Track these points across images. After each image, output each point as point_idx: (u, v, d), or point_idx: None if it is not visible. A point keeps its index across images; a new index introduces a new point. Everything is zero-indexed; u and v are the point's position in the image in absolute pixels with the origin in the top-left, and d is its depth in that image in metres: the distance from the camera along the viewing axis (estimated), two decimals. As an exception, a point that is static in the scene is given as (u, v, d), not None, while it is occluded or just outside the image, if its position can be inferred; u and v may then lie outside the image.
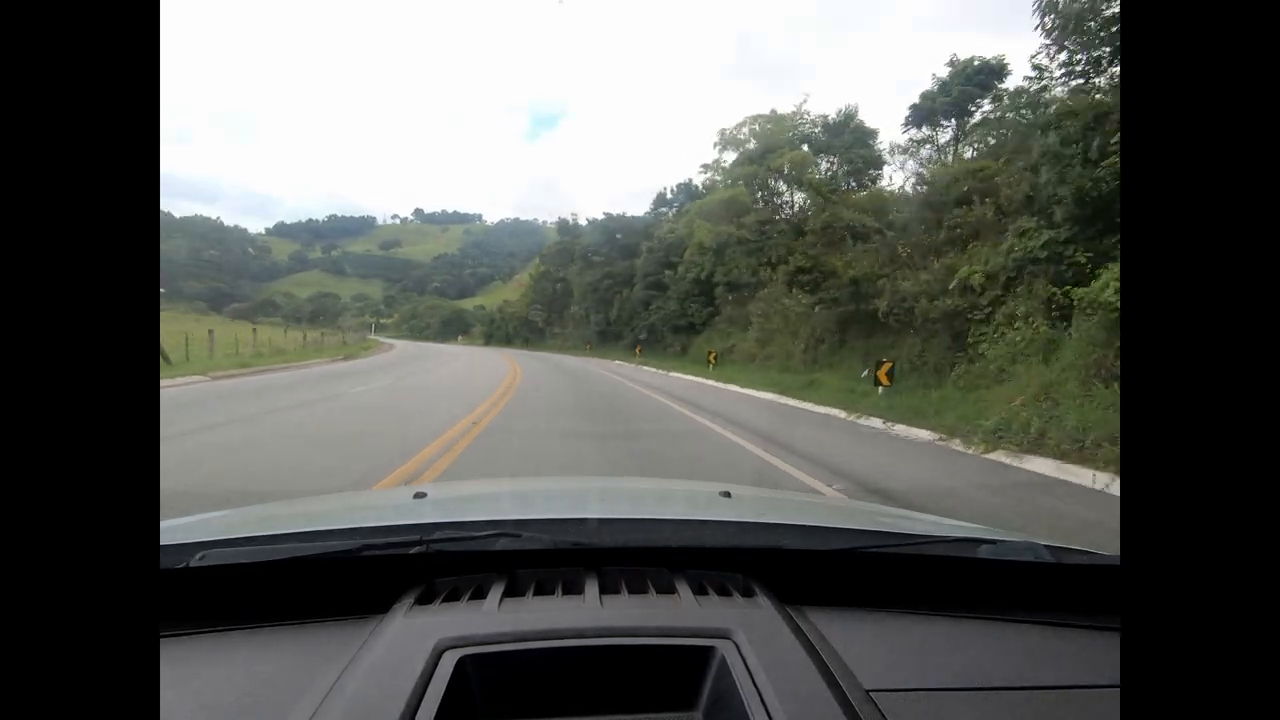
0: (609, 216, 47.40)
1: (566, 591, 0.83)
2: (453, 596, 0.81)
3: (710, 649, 0.69)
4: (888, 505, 1.88)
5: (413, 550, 0.83)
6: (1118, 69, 9.61)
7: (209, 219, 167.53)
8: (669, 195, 44.55)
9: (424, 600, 0.80)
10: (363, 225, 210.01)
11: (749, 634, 0.71)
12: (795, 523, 1.14)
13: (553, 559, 0.89)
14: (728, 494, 1.37)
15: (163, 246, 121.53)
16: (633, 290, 36.52)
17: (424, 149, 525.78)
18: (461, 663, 0.66)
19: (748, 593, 0.84)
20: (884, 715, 0.62)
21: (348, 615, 0.79)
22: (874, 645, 0.75)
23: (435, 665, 0.65)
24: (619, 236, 43.29)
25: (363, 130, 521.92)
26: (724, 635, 0.71)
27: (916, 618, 0.84)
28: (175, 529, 0.97)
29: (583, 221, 53.55)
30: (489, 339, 63.17)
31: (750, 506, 1.39)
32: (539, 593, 0.82)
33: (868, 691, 0.65)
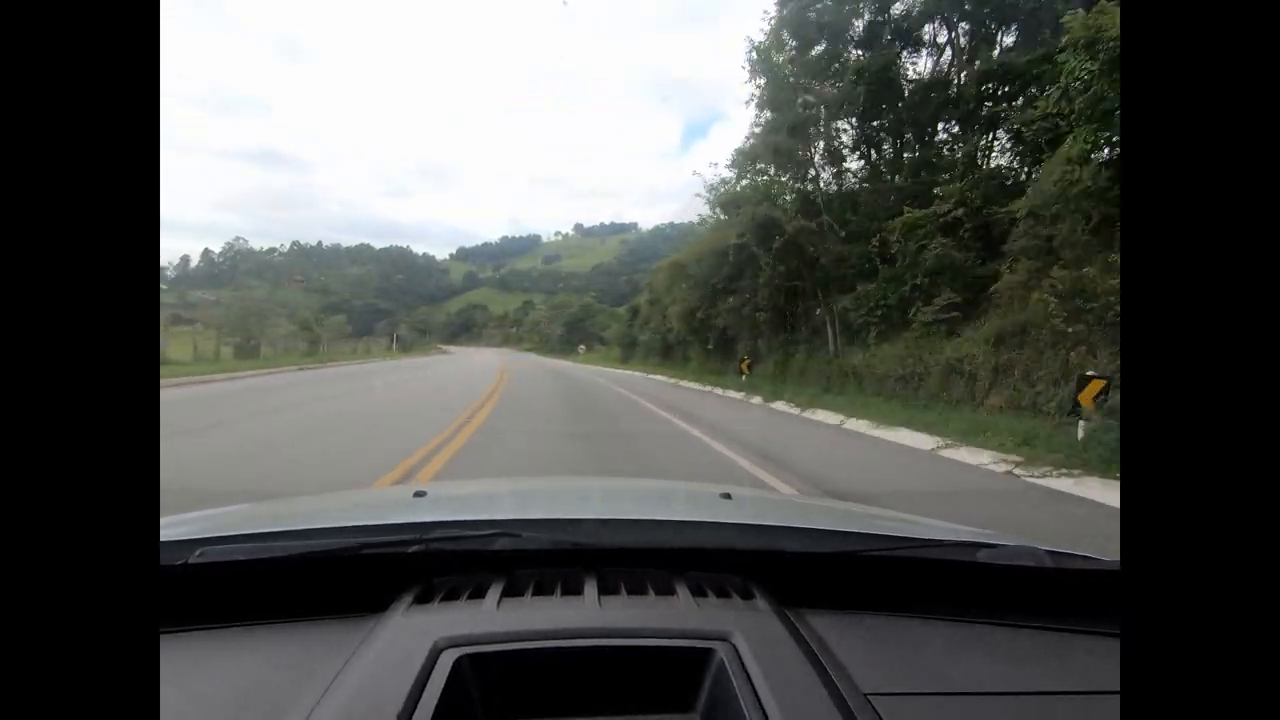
0: None
1: (565, 592, 0.81)
2: (451, 596, 0.80)
3: (709, 651, 0.69)
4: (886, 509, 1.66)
5: (411, 549, 0.83)
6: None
7: (401, 247, 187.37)
8: None
9: (422, 599, 0.80)
10: (529, 244, 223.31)
11: (747, 636, 0.70)
12: (794, 525, 1.13)
13: (552, 559, 0.88)
14: (728, 496, 1.35)
15: (358, 271, 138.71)
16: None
17: (584, 170, 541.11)
18: (459, 662, 0.66)
19: (746, 595, 0.82)
20: (881, 719, 0.61)
21: (346, 614, 0.79)
22: (872, 648, 0.75)
23: (433, 665, 0.65)
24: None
25: (531, 162, 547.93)
26: (722, 637, 0.70)
27: (915, 621, 0.83)
28: (173, 525, 1.00)
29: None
30: (629, 350, 37.99)
31: (750, 509, 1.39)
32: (538, 593, 0.81)
33: (865, 695, 0.64)
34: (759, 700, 0.61)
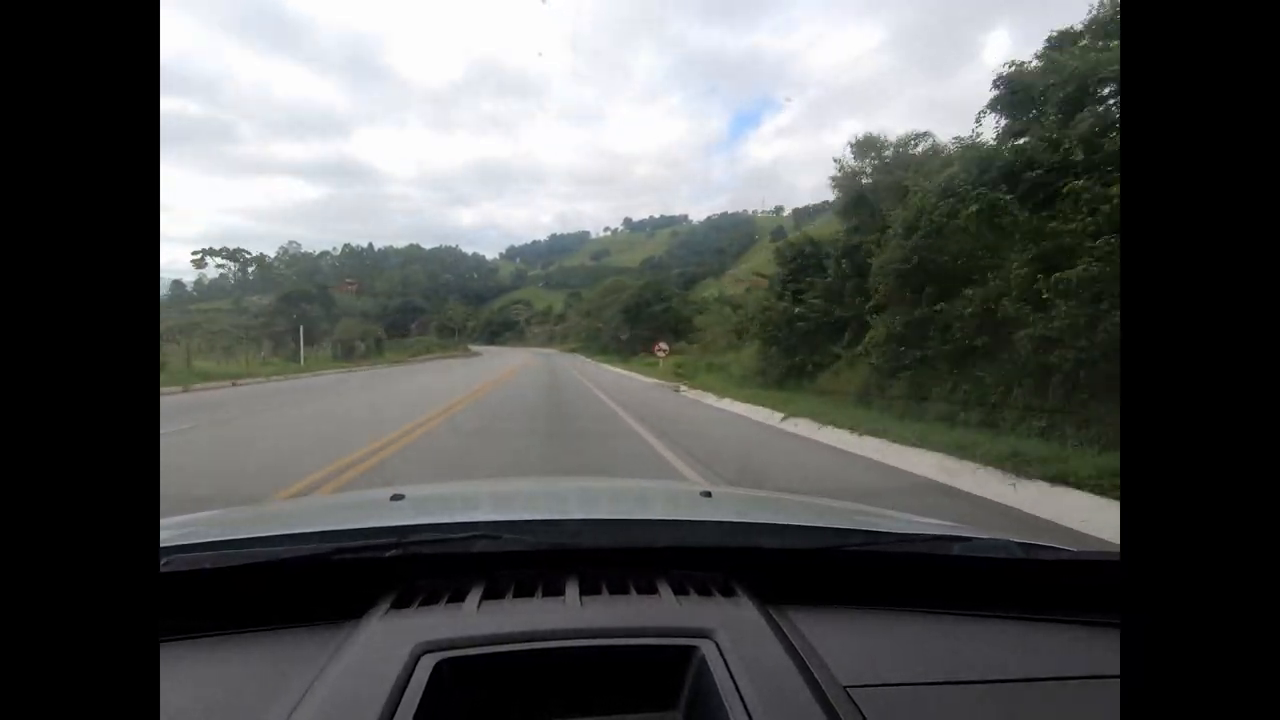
0: None
1: (547, 593, 0.81)
2: (431, 599, 0.79)
3: (691, 648, 0.69)
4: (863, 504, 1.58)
5: (389, 553, 0.81)
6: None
7: (451, 248, 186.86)
8: None
9: (401, 603, 0.79)
10: (577, 241, 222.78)
11: (729, 633, 0.70)
12: (774, 522, 1.14)
13: (533, 560, 0.87)
14: (708, 494, 1.36)
15: (405, 271, 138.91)
16: None
17: (632, 166, 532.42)
18: (440, 666, 0.65)
19: (728, 592, 0.83)
20: (860, 710, 0.62)
21: (322, 621, 0.77)
22: (852, 642, 0.75)
23: (413, 669, 0.64)
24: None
25: (580, 159, 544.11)
26: (704, 635, 0.70)
27: (894, 614, 0.84)
28: None
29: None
30: (778, 363, 14.35)
31: (730, 506, 1.40)
32: (519, 594, 0.80)
33: (845, 687, 0.65)
34: (740, 695, 0.61)
